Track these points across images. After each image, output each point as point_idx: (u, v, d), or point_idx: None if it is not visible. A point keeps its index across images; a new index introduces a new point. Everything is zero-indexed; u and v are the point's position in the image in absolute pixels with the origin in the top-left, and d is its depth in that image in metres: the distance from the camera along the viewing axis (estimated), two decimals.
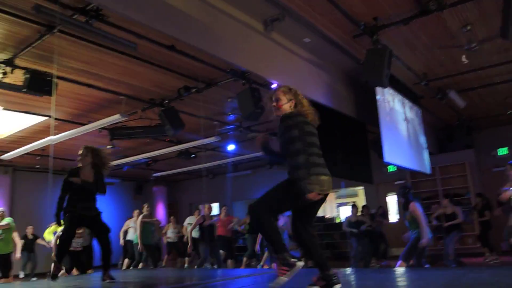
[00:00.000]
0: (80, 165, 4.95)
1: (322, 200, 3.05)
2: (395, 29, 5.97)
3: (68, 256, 8.18)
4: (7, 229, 7.46)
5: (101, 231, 4.92)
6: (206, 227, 9.08)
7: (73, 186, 4.78)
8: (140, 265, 9.47)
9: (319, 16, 5.51)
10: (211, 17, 4.97)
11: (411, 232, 6.18)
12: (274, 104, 3.29)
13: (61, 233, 5.11)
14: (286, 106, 3.24)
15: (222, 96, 7.86)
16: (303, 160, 2.96)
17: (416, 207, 6.13)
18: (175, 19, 4.57)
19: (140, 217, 9.18)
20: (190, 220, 10.44)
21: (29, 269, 10.50)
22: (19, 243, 8.07)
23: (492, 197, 9.59)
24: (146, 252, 9.19)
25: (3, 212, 6.75)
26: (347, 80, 7.47)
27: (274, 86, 6.86)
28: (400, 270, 5.25)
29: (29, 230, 10.53)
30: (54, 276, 4.84)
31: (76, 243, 8.48)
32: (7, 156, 10.47)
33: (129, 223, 10.30)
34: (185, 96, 7.35)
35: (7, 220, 7.53)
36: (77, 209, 4.73)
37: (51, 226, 9.54)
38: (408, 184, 7.12)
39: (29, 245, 10.41)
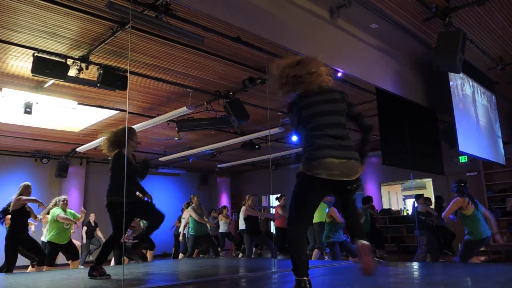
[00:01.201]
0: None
1: (347, 187, 2.73)
2: (469, 10, 5.67)
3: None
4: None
5: None
6: (249, 218, 8.69)
7: None
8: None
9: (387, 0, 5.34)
10: (275, 6, 4.96)
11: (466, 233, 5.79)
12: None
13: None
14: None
15: None
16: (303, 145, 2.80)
17: (455, 204, 5.77)
18: (240, 10, 4.60)
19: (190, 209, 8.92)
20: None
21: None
22: None
23: None
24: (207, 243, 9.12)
25: (66, 200, 7.03)
26: (417, 67, 7.20)
27: (339, 74, 6.76)
28: (474, 266, 5.01)
29: (92, 217, 10.98)
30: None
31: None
32: (82, 148, 11.08)
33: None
34: (250, 87, 7.40)
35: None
36: None
37: None
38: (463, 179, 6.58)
39: (91, 232, 10.90)
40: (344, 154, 2.68)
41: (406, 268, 3.84)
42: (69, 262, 6.89)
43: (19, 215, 6.28)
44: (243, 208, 8.75)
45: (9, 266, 6.07)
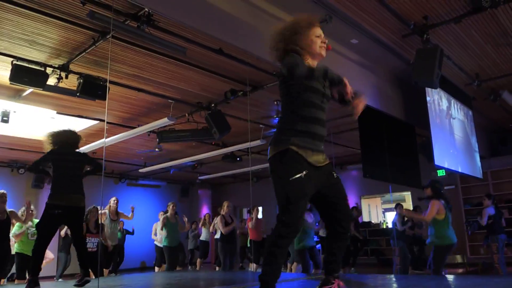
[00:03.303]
0: None
1: None
2: (446, 27, 5.82)
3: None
4: None
5: None
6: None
7: None
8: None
9: (367, 16, 5.44)
10: (258, 19, 5.00)
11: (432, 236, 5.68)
12: (324, 42, 2.74)
13: None
14: None
15: (268, 99, 7.88)
16: None
17: (435, 206, 5.57)
18: (223, 22, 4.64)
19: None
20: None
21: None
22: None
23: None
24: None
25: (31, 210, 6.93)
26: (395, 82, 7.33)
27: None
28: (451, 277, 5.07)
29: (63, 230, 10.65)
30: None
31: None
32: None
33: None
34: (232, 99, 7.43)
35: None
36: None
37: None
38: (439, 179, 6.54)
39: (66, 245, 10.55)
40: None
41: (383, 281, 3.86)
42: None
43: None
44: (219, 217, 8.64)
45: None
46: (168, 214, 8.49)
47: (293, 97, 2.55)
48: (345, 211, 2.56)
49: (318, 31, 2.75)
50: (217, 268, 10.05)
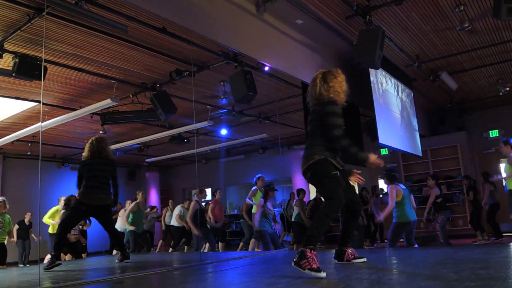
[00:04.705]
0: None
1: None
2: (388, 9, 5.95)
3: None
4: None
5: None
6: (198, 212, 8.64)
7: None
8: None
9: None
10: None
11: (394, 217, 6.22)
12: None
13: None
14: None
15: (215, 79, 7.81)
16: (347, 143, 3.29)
17: (393, 190, 6.12)
18: (166, 0, 4.51)
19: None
20: (178, 211, 10.01)
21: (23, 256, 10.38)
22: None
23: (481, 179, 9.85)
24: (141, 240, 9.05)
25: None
26: (340, 63, 7.45)
27: (266, 68, 6.85)
28: (391, 250, 5.31)
29: (27, 217, 10.37)
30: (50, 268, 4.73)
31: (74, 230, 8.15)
32: None
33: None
34: (177, 80, 7.29)
35: None
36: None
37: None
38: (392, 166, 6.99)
39: (25, 232, 10.29)
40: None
41: (328, 255, 3.99)
42: None
43: None
44: (193, 203, 8.74)
45: None
46: (139, 201, 8.70)
47: None
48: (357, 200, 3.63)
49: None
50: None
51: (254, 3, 5.50)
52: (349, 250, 3.49)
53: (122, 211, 9.86)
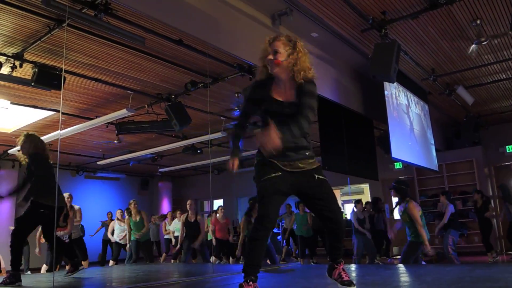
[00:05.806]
0: None
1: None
2: (404, 23, 5.95)
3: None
4: None
5: None
6: (189, 224, 8.21)
7: None
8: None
9: (327, 10, 5.49)
10: (218, 11, 4.97)
11: (408, 235, 5.81)
12: (271, 57, 2.68)
13: None
14: (285, 62, 2.64)
15: (229, 91, 7.85)
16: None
17: (416, 208, 5.67)
18: (183, 13, 4.57)
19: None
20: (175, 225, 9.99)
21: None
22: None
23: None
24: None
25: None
26: (355, 76, 7.45)
27: None
28: (405, 266, 5.23)
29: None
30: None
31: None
32: (14, 150, 10.51)
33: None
34: (192, 91, 7.34)
35: None
36: None
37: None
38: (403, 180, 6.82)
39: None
40: None
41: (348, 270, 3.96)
42: None
43: None
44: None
45: None
46: (132, 212, 8.57)
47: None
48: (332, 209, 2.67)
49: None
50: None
51: (270, 16, 5.54)
52: (340, 269, 2.72)
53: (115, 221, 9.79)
